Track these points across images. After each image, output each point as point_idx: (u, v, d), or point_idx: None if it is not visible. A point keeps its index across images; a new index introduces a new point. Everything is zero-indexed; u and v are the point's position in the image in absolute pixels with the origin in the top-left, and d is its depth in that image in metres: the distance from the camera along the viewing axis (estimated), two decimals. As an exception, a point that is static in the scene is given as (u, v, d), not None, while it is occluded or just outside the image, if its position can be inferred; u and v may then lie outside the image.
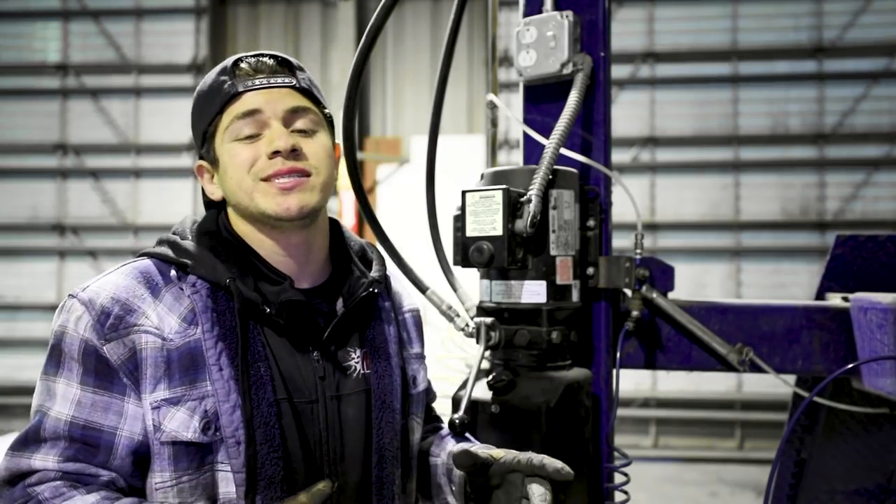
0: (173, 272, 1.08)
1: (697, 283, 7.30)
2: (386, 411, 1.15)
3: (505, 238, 1.26)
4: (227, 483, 1.01)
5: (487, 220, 1.28)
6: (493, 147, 2.08)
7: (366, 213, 1.57)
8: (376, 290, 1.20)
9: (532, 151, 1.55)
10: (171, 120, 7.95)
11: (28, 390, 7.80)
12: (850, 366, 1.34)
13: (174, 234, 1.15)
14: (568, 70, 1.47)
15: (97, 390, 1.00)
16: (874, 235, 1.53)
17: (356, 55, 1.53)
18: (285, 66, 1.12)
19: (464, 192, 1.31)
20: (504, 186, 1.27)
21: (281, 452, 1.03)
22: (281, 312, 1.08)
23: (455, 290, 1.56)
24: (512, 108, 1.58)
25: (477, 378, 1.29)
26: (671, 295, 1.51)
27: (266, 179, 1.06)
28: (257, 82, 1.08)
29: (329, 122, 1.17)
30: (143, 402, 1.00)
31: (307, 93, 1.12)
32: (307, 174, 1.08)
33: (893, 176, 7.20)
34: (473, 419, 1.34)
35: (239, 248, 1.11)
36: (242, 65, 1.09)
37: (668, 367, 1.53)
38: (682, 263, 6.37)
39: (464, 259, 1.31)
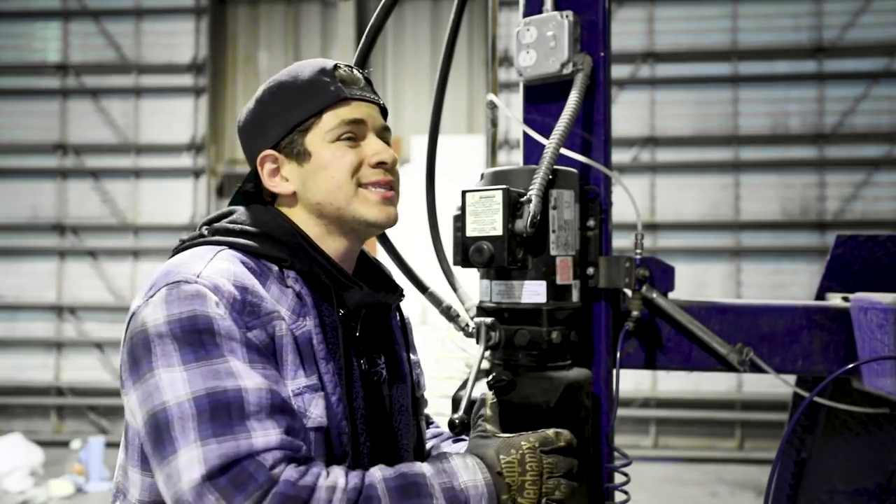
0: (273, 266, 1.08)
1: (697, 283, 7.30)
2: (404, 414, 1.21)
3: (505, 238, 1.25)
4: None
5: (487, 220, 1.28)
6: (493, 147, 2.08)
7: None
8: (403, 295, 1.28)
9: (532, 151, 1.55)
10: (171, 120, 7.96)
11: (28, 390, 7.84)
12: (851, 366, 1.34)
13: (237, 223, 1.12)
14: (568, 70, 1.47)
15: (266, 366, 0.97)
16: (874, 235, 1.53)
17: (356, 55, 1.53)
18: (370, 84, 1.19)
19: (464, 192, 1.31)
20: (504, 186, 1.27)
21: (370, 442, 1.08)
22: (355, 315, 1.12)
23: (455, 290, 1.56)
24: (512, 108, 1.58)
25: (477, 378, 1.29)
26: (671, 295, 1.51)
27: (365, 186, 1.12)
28: (359, 92, 1.14)
29: None
30: (286, 387, 0.99)
31: (385, 113, 1.21)
32: (396, 191, 1.17)
33: (893, 176, 7.20)
34: (473, 419, 1.34)
35: (306, 248, 1.12)
36: (341, 71, 1.14)
37: (668, 367, 1.53)
38: (682, 263, 6.36)
39: (464, 259, 1.31)
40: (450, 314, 1.52)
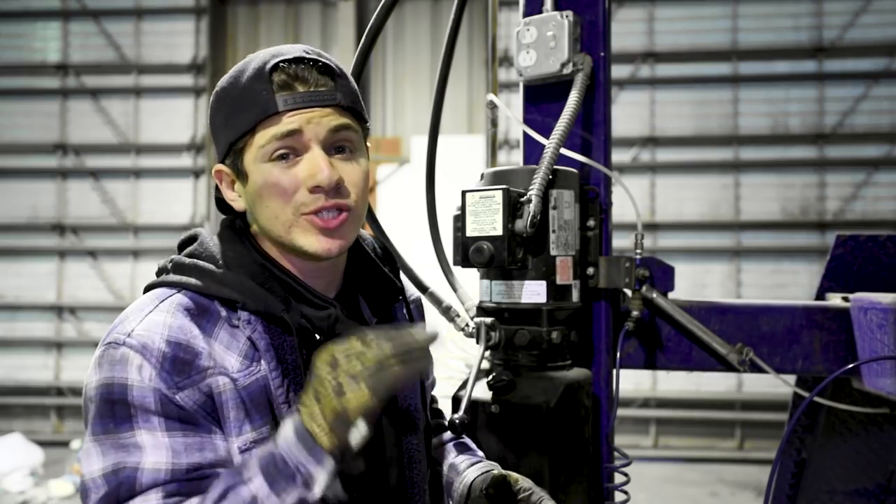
0: (222, 309, 1.00)
1: (697, 283, 7.30)
2: (409, 412, 1.16)
3: (505, 238, 1.25)
4: None
5: (487, 220, 1.28)
6: (493, 147, 2.08)
7: (366, 212, 1.57)
8: (401, 297, 1.21)
9: (532, 151, 1.55)
10: (171, 120, 7.95)
11: (28, 390, 7.83)
12: (851, 366, 1.34)
13: (195, 256, 1.06)
14: (568, 70, 1.47)
15: (187, 433, 0.93)
16: (874, 235, 1.53)
17: (356, 55, 1.53)
18: (327, 75, 1.01)
19: (464, 192, 1.31)
20: (504, 186, 1.27)
21: (350, 479, 0.98)
22: (330, 337, 1.04)
23: (455, 290, 1.56)
24: (512, 108, 1.58)
25: (477, 378, 1.29)
26: (671, 295, 1.51)
27: (307, 214, 1.00)
28: (298, 98, 0.98)
29: (365, 135, 1.11)
30: (230, 444, 0.96)
31: (349, 109, 1.04)
32: (348, 209, 1.03)
33: (893, 176, 7.20)
34: (473, 419, 1.34)
35: (275, 273, 1.05)
36: (281, 73, 0.99)
37: (668, 367, 1.53)
38: (682, 263, 6.36)
39: (464, 259, 1.31)
40: (450, 314, 1.52)
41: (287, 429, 0.90)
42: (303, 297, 1.05)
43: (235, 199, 1.08)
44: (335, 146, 1.03)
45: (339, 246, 1.03)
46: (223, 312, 1.00)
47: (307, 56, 1.01)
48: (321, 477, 0.87)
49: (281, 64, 1.00)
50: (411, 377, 0.90)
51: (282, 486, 0.87)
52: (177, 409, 0.93)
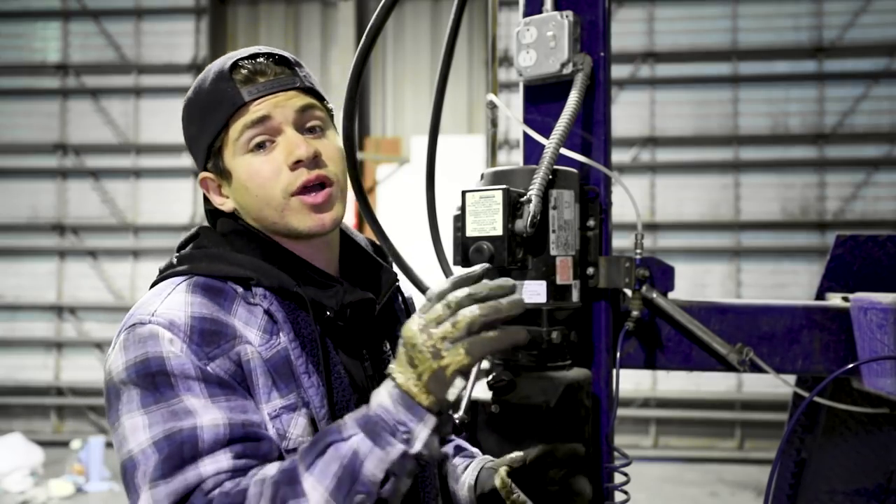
0: (237, 287, 1.03)
1: (697, 283, 7.31)
2: None
3: (505, 238, 1.25)
4: None
5: (487, 220, 1.27)
6: (493, 147, 2.08)
7: (366, 213, 1.57)
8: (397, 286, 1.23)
9: (532, 151, 1.55)
10: (171, 120, 7.95)
11: (28, 390, 7.83)
12: (851, 366, 1.34)
13: (202, 248, 1.09)
14: (568, 70, 1.47)
15: (228, 397, 0.94)
16: (874, 235, 1.53)
17: (356, 55, 1.52)
18: (284, 65, 1.08)
19: (464, 192, 1.31)
20: (504, 186, 1.27)
21: None
22: (341, 315, 1.07)
23: (455, 290, 1.56)
24: (512, 108, 1.58)
25: (477, 378, 1.29)
26: (671, 295, 1.51)
27: (295, 194, 1.04)
28: (261, 87, 1.04)
29: (331, 116, 1.15)
30: (261, 411, 0.97)
31: (311, 91, 1.10)
32: (331, 183, 1.07)
33: (893, 176, 7.20)
34: (473, 419, 1.34)
35: (282, 256, 1.08)
36: (241, 70, 1.05)
37: (668, 367, 1.53)
38: (682, 263, 6.37)
39: (464, 259, 1.31)
40: (450, 314, 1.52)
41: (381, 396, 0.88)
42: (310, 278, 1.08)
43: (224, 202, 1.11)
44: (306, 127, 1.07)
45: (332, 218, 1.07)
46: (239, 290, 1.03)
47: (262, 51, 1.08)
48: (422, 433, 0.86)
49: (239, 62, 1.06)
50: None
51: (384, 440, 0.85)
52: (215, 377, 0.94)
